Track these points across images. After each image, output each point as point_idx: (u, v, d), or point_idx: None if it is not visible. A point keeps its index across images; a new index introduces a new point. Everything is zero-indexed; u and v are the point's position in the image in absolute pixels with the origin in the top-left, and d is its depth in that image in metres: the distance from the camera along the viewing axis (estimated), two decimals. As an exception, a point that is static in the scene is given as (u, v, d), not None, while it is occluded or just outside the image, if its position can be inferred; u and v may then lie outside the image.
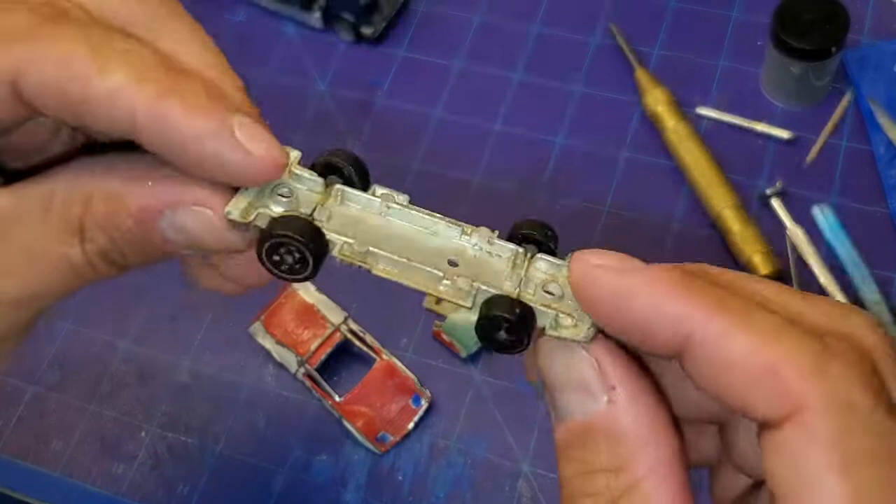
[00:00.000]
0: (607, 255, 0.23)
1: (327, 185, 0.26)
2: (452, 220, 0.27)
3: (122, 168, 0.26)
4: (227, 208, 0.25)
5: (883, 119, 0.53)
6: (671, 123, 0.54)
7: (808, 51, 0.51)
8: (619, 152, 0.55)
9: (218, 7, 0.65)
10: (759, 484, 0.26)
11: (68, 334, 0.53)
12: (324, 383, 0.48)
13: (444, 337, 0.49)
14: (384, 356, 0.49)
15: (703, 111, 0.56)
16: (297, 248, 0.25)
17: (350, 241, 0.25)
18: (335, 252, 0.26)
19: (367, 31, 0.60)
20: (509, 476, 0.46)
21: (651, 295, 0.22)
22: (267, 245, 0.25)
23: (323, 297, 0.50)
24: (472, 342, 0.49)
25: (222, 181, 0.25)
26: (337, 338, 0.49)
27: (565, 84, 0.58)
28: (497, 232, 0.26)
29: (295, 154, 0.26)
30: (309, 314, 0.50)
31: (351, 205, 0.27)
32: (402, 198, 0.27)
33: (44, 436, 0.50)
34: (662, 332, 0.22)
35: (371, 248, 0.26)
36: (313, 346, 0.49)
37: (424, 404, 0.48)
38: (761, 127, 0.54)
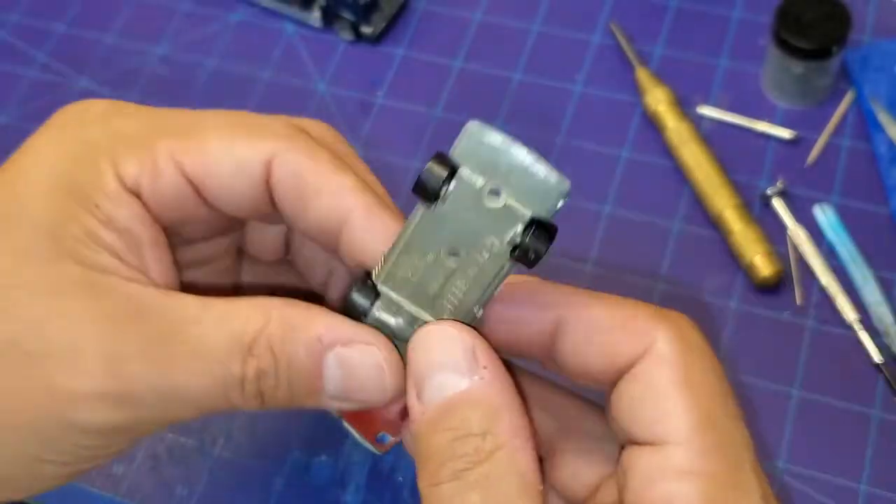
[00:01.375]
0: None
1: None
2: None
3: (300, 304, 0.28)
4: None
5: (885, 119, 0.53)
6: (672, 123, 0.54)
7: (809, 50, 0.51)
8: (619, 152, 0.55)
9: (217, 6, 0.64)
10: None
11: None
12: (323, 384, 0.48)
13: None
14: (384, 357, 0.49)
15: (704, 111, 0.56)
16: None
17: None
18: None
19: (367, 30, 0.60)
20: (509, 477, 0.46)
21: (525, 291, 0.28)
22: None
23: (322, 298, 0.50)
24: None
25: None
26: (336, 338, 0.49)
27: (565, 84, 0.58)
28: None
29: None
30: (308, 314, 0.50)
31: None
32: None
33: (43, 436, 0.50)
34: (537, 318, 0.27)
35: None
36: (313, 347, 0.49)
37: (424, 405, 0.47)
38: (762, 126, 0.54)
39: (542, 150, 0.57)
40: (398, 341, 0.28)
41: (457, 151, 0.27)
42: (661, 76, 0.56)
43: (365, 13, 0.59)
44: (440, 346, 0.27)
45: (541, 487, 0.25)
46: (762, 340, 0.48)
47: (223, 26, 0.64)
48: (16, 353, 0.25)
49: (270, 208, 0.30)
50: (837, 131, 0.54)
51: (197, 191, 0.29)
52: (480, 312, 0.27)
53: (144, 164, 0.28)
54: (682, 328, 0.26)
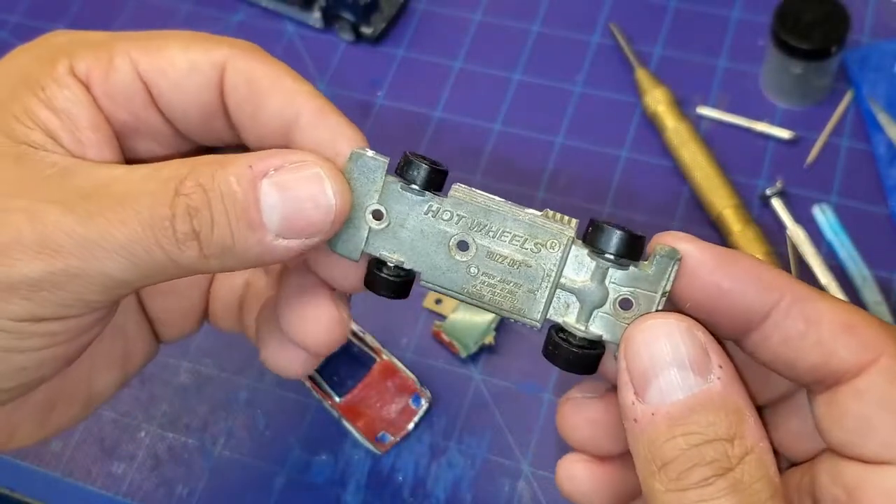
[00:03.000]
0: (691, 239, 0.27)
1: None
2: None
3: (233, 154, 0.27)
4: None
5: (883, 119, 0.53)
6: (671, 123, 0.54)
7: (808, 50, 0.51)
8: (619, 152, 0.55)
9: (218, 7, 0.65)
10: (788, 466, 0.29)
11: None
12: (323, 384, 0.48)
13: (444, 337, 0.49)
14: (384, 356, 0.49)
15: (704, 111, 0.56)
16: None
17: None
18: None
19: (367, 30, 0.60)
20: (509, 476, 0.46)
21: (748, 264, 0.25)
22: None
23: (323, 298, 0.50)
24: (472, 342, 0.49)
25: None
26: (337, 338, 0.49)
27: (565, 84, 0.58)
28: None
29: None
30: (309, 314, 0.50)
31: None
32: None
33: (43, 436, 0.50)
34: (754, 296, 0.25)
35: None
36: (313, 347, 0.49)
37: (424, 404, 0.48)
38: (762, 127, 0.54)
39: (542, 150, 0.57)
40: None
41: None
42: (661, 76, 0.56)
43: (365, 14, 0.59)
44: (668, 340, 0.25)
45: (784, 492, 0.25)
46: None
47: (224, 27, 0.64)
48: None
49: (223, 121, 0.30)
50: (836, 131, 0.54)
51: (149, 92, 0.29)
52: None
53: (100, 59, 0.28)
54: None
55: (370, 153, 0.28)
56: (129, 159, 0.30)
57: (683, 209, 0.53)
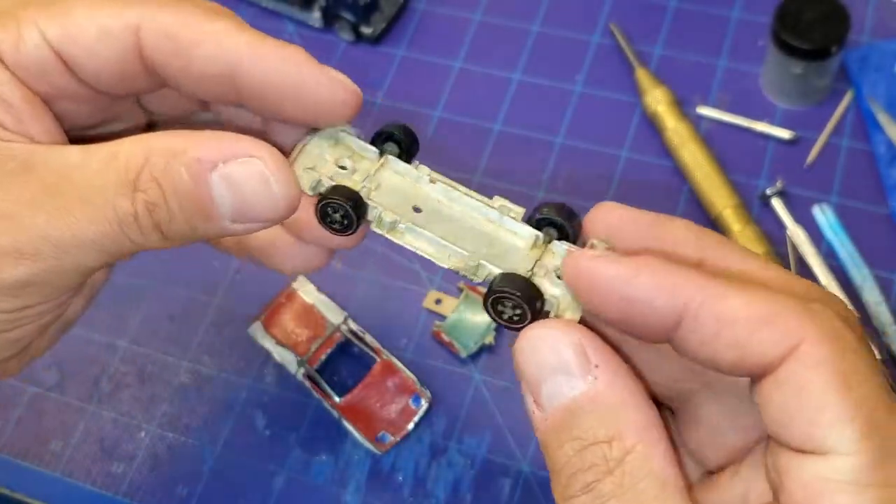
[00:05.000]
0: (600, 252, 0.26)
1: (381, 154, 0.31)
2: (485, 199, 0.30)
3: (181, 133, 0.27)
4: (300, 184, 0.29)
5: (883, 119, 0.53)
6: (671, 123, 0.54)
7: (808, 50, 0.51)
8: (619, 152, 0.55)
9: (218, 7, 0.65)
10: (709, 473, 0.28)
11: (68, 335, 0.53)
12: (323, 384, 0.48)
13: (444, 337, 0.49)
14: (384, 356, 0.49)
15: (704, 111, 0.56)
16: (342, 210, 0.29)
17: (384, 212, 0.29)
18: (370, 218, 0.30)
19: (367, 30, 0.60)
20: (509, 476, 0.46)
21: (651, 273, 0.24)
22: (321, 204, 0.29)
23: (323, 298, 0.50)
24: (472, 342, 0.49)
25: (303, 117, 0.30)
26: (337, 338, 0.49)
27: (565, 84, 0.58)
28: (523, 211, 0.29)
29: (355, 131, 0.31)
30: (309, 315, 0.50)
31: (397, 174, 0.31)
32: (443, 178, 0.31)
33: (43, 436, 0.50)
34: (662, 304, 0.24)
35: (399, 222, 0.29)
36: (313, 347, 0.49)
37: (424, 404, 0.48)
38: (762, 127, 0.54)
39: (542, 150, 0.57)
40: None
41: None
42: (661, 76, 0.56)
43: (365, 14, 0.59)
44: (546, 347, 0.25)
45: (682, 483, 0.24)
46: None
47: (223, 27, 0.64)
48: None
49: (148, 78, 0.29)
50: (836, 131, 0.54)
51: (63, 61, 0.28)
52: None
53: (8, 31, 0.27)
54: (832, 325, 0.24)
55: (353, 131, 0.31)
56: (70, 128, 0.30)
57: (683, 209, 0.53)
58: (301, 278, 0.51)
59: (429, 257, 0.29)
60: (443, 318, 0.50)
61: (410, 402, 0.48)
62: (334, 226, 0.30)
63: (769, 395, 0.24)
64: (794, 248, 0.50)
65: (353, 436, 0.47)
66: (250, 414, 0.49)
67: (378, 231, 0.30)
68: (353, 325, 0.50)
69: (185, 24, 0.28)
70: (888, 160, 0.52)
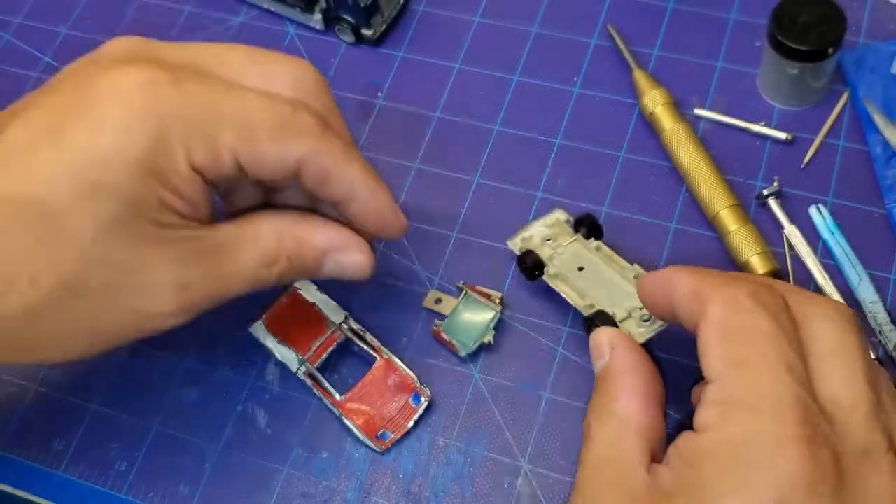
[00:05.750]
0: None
1: (577, 232, 0.50)
2: (627, 266, 0.48)
3: (307, 220, 0.41)
4: (511, 244, 0.51)
5: (879, 120, 0.53)
6: (669, 124, 0.54)
7: (804, 52, 0.52)
8: (617, 153, 0.56)
9: (220, 8, 0.65)
10: None
11: (71, 333, 0.53)
12: (324, 382, 0.49)
13: (444, 336, 0.49)
14: (384, 355, 0.49)
15: (701, 112, 0.56)
16: (529, 264, 0.49)
17: (552, 268, 0.48)
18: (545, 274, 0.48)
19: (367, 32, 0.61)
20: (509, 474, 0.46)
21: (672, 278, 0.37)
22: (518, 258, 0.50)
23: (324, 297, 0.51)
24: (472, 341, 0.49)
25: (370, 228, 0.42)
26: (338, 337, 0.50)
27: (564, 85, 0.59)
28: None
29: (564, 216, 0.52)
30: (310, 314, 0.50)
31: (580, 246, 0.49)
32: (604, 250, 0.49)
33: (46, 435, 0.50)
34: (679, 298, 0.36)
35: (561, 273, 0.48)
36: (314, 346, 0.49)
37: (424, 402, 0.48)
38: (758, 128, 0.55)
39: (542, 151, 0.58)
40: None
41: None
42: (659, 78, 0.57)
43: (365, 16, 0.60)
44: (592, 342, 0.42)
45: (643, 423, 0.35)
46: (758, 339, 0.49)
47: (226, 28, 0.64)
48: (111, 290, 0.36)
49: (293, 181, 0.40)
50: (833, 132, 0.55)
51: (244, 172, 0.38)
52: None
53: (209, 152, 0.36)
54: (736, 294, 0.33)
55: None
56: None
57: (680, 209, 0.53)
58: (302, 278, 0.52)
59: (567, 298, 0.47)
60: (443, 317, 0.50)
61: (410, 400, 0.48)
62: (525, 269, 0.49)
63: (698, 342, 0.34)
64: (791, 248, 0.51)
65: (353, 433, 0.48)
66: (252, 412, 0.49)
67: (546, 279, 0.48)
68: (354, 325, 0.50)
69: (336, 165, 0.39)
70: (884, 161, 0.53)
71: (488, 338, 0.49)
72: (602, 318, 0.44)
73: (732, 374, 0.31)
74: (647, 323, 0.43)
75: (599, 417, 0.36)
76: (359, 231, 0.42)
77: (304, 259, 0.41)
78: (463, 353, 0.49)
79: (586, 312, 0.45)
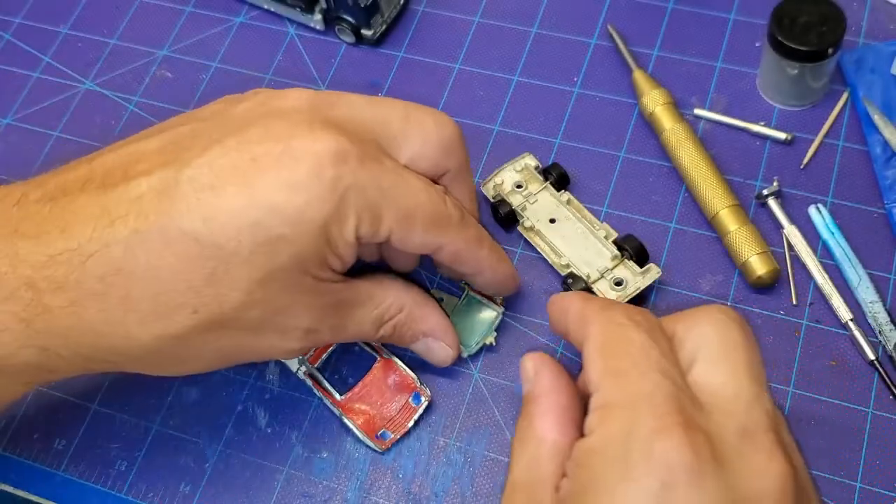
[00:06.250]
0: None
1: (546, 180, 0.53)
2: (596, 222, 0.51)
3: (426, 304, 0.47)
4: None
5: (879, 120, 0.53)
6: (669, 125, 0.54)
7: (804, 52, 0.52)
8: (617, 153, 0.56)
9: (221, 9, 0.65)
10: None
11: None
12: (325, 381, 0.49)
13: (444, 336, 0.49)
14: (384, 355, 0.49)
15: (701, 112, 0.56)
16: (502, 214, 0.52)
17: (527, 220, 0.51)
18: (520, 226, 0.52)
19: (367, 32, 0.61)
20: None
21: (565, 302, 0.39)
22: (492, 206, 0.53)
23: (324, 297, 0.51)
24: (473, 342, 0.49)
25: (488, 291, 0.49)
26: (338, 337, 0.50)
27: (564, 85, 0.59)
28: (616, 234, 0.50)
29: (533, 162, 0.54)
30: (310, 313, 0.50)
31: (550, 196, 0.52)
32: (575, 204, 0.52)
33: (46, 435, 0.50)
34: (572, 322, 0.38)
35: (535, 227, 0.51)
36: (314, 345, 0.49)
37: (424, 402, 0.48)
38: (758, 128, 0.55)
39: (541, 151, 0.58)
40: None
41: None
42: (658, 78, 0.57)
43: (365, 16, 0.60)
44: (522, 369, 0.40)
45: (558, 441, 0.35)
46: (758, 339, 0.49)
47: (226, 28, 0.64)
48: (258, 328, 0.40)
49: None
50: (832, 132, 0.55)
51: (390, 243, 0.42)
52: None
53: (372, 227, 0.40)
54: (613, 315, 0.35)
55: None
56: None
57: (680, 209, 0.53)
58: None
59: (543, 254, 0.50)
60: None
61: (410, 400, 0.48)
62: (500, 220, 0.52)
63: (583, 360, 0.36)
64: (790, 248, 0.51)
65: (353, 433, 0.48)
66: (252, 412, 0.49)
67: (521, 231, 0.51)
68: (354, 324, 0.50)
69: (468, 251, 0.44)
70: (884, 161, 0.53)
71: (490, 339, 0.49)
72: (576, 281, 0.48)
73: (610, 381, 0.33)
74: (620, 287, 0.48)
75: (520, 440, 0.36)
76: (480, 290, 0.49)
77: (406, 334, 0.46)
78: (465, 355, 0.49)
79: (562, 272, 0.49)
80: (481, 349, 0.49)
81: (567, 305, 0.38)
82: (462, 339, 0.49)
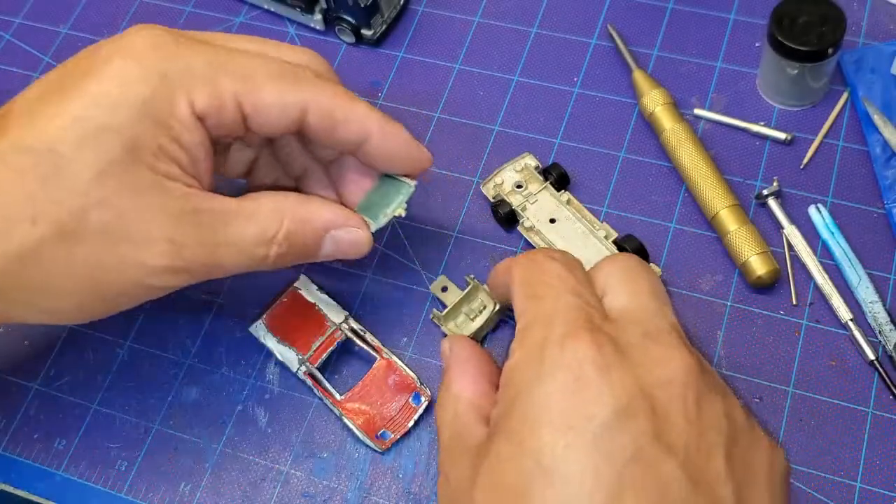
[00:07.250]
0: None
1: (546, 180, 0.53)
2: (596, 222, 0.51)
3: (308, 201, 0.42)
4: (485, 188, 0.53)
5: (879, 120, 0.53)
6: (669, 125, 0.54)
7: (804, 52, 0.52)
8: (617, 153, 0.56)
9: (221, 9, 0.65)
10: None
11: (71, 334, 0.53)
12: (325, 381, 0.49)
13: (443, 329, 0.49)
14: (384, 355, 0.49)
15: (701, 112, 0.56)
16: (501, 215, 0.52)
17: (526, 220, 0.51)
18: (520, 226, 0.51)
19: (367, 32, 0.61)
20: (508, 473, 0.46)
21: (498, 268, 0.43)
22: (492, 207, 0.52)
23: (324, 297, 0.51)
24: (381, 214, 0.45)
25: (393, 170, 0.44)
26: (338, 337, 0.50)
27: (564, 85, 0.59)
28: (616, 234, 0.51)
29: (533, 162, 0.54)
30: (310, 313, 0.50)
31: (550, 195, 0.52)
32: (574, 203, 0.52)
33: (46, 435, 0.50)
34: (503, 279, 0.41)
35: (535, 227, 0.50)
36: (315, 345, 0.49)
37: (424, 402, 0.48)
38: (758, 128, 0.55)
39: (541, 151, 0.58)
40: None
41: None
42: (658, 78, 0.57)
43: (365, 16, 0.60)
44: (442, 350, 0.45)
45: (474, 400, 0.39)
46: (757, 339, 0.49)
47: (226, 28, 0.64)
48: (108, 236, 0.36)
49: (294, 132, 0.41)
50: (832, 132, 0.55)
51: (246, 120, 0.39)
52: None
53: (210, 97, 0.37)
54: (534, 255, 0.39)
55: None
56: (223, 174, 0.45)
57: (680, 209, 0.53)
58: (303, 278, 0.52)
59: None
60: (444, 306, 0.50)
61: (411, 400, 0.48)
62: (500, 220, 0.52)
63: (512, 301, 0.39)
64: (790, 248, 0.51)
65: (353, 433, 0.48)
66: (252, 412, 0.50)
67: (521, 231, 0.51)
68: (354, 324, 0.50)
69: (339, 105, 0.40)
70: (883, 161, 0.53)
71: (400, 210, 0.45)
72: None
73: (529, 305, 0.36)
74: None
75: (441, 405, 0.40)
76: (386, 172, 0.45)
77: (304, 239, 0.42)
78: (373, 229, 0.45)
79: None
80: (390, 223, 0.46)
81: (498, 267, 0.42)
82: (372, 212, 0.45)
